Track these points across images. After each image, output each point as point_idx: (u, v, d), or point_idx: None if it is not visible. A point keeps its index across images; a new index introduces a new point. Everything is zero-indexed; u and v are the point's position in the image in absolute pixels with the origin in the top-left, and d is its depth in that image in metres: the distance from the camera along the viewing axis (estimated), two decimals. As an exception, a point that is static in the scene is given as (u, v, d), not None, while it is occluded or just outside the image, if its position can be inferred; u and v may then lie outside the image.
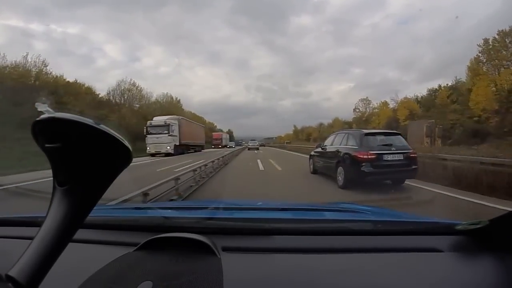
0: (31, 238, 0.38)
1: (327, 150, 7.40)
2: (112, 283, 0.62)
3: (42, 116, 0.37)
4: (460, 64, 57.98)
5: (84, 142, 0.37)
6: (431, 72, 60.44)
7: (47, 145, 0.38)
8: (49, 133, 0.37)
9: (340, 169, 6.34)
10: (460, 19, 66.29)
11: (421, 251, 0.80)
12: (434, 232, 0.92)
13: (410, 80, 66.10)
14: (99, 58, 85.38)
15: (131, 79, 42.13)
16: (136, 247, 0.77)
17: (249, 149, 32.96)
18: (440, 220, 1.02)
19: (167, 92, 57.16)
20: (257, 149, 32.81)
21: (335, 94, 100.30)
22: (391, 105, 44.92)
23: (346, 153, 6.28)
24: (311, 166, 8.78)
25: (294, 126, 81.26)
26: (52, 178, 0.41)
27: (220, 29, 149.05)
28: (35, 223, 0.91)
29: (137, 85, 41.57)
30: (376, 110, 48.78)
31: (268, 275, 0.71)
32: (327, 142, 7.75)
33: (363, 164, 5.70)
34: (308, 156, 9.35)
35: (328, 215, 1.27)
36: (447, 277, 0.70)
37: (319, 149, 8.12)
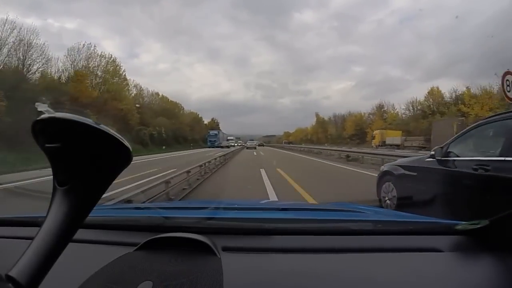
0: (31, 238, 0.38)
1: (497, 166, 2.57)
2: (112, 283, 0.62)
3: (42, 116, 0.37)
4: (466, 62, 56.91)
5: (84, 142, 0.38)
6: (434, 70, 60.08)
7: (47, 145, 0.38)
8: (49, 133, 0.37)
9: None
10: (467, 16, 66.04)
11: (421, 251, 0.80)
12: (434, 232, 0.92)
13: (413, 79, 66.20)
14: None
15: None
16: (136, 247, 0.77)
17: (247, 148, 36.64)
18: (440, 220, 1.02)
19: (90, 44, 32.65)
20: (255, 148, 36.22)
21: (335, 93, 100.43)
22: None
23: None
24: (387, 196, 4.03)
25: (317, 115, 55.78)
26: (52, 178, 0.41)
27: (220, 24, 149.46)
28: (35, 223, 0.91)
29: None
30: None
31: (268, 275, 0.71)
32: (483, 142, 3.24)
33: None
34: (378, 176, 4.51)
35: (328, 215, 1.27)
36: (447, 277, 0.70)
37: (432, 164, 3.36)
